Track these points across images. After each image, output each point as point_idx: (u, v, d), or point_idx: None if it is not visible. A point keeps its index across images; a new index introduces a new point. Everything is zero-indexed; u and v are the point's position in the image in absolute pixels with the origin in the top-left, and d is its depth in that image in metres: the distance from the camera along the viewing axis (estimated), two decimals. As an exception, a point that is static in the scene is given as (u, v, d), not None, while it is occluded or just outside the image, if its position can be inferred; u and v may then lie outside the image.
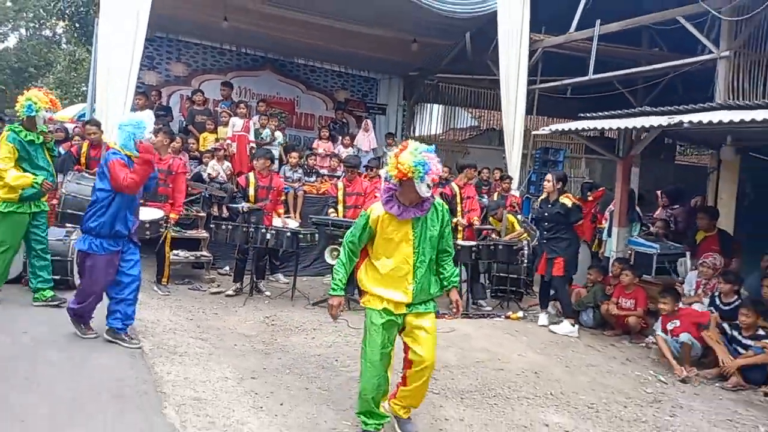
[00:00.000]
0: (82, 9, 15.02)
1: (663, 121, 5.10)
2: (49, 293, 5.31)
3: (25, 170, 5.14)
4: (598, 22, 9.19)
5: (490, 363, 4.88)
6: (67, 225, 5.94)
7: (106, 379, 3.73)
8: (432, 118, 17.70)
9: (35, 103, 5.15)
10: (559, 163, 10.47)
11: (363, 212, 3.49)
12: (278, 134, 9.76)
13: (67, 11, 15.80)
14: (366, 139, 11.06)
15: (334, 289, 3.41)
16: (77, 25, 16.36)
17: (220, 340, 4.97)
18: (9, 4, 31.94)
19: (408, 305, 3.32)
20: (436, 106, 16.64)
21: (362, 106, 13.66)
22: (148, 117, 4.59)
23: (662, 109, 5.85)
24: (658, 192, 8.29)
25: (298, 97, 12.91)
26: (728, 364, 4.96)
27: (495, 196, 9.11)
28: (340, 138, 10.72)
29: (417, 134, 17.81)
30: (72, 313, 4.53)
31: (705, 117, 4.98)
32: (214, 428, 3.25)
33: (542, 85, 10.93)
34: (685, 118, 5.03)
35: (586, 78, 9.59)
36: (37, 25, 31.65)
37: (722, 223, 7.16)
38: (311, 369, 4.49)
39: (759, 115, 4.80)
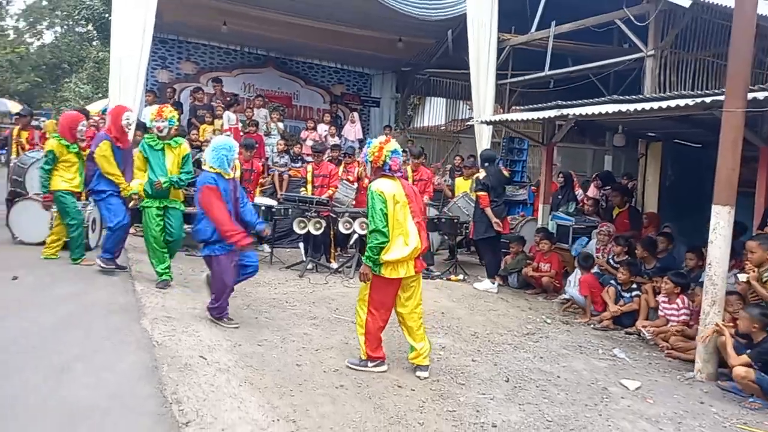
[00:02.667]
0: (105, 13, 16.60)
1: (552, 113, 6.22)
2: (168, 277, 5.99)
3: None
4: (553, 23, 10.21)
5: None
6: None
7: (102, 302, 5.12)
8: (432, 111, 18.88)
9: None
10: (523, 151, 11.54)
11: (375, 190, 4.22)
12: (280, 125, 11.24)
13: (89, 16, 17.38)
14: (352, 130, 12.35)
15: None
16: (99, 28, 17.97)
17: (199, 288, 6.28)
18: (45, 2, 33.93)
19: None
20: (441, 99, 17.85)
21: (357, 99, 14.95)
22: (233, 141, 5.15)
23: (576, 102, 6.94)
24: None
25: (297, 91, 14.22)
26: (605, 314, 6.11)
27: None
28: (333, 128, 12.04)
29: (417, 126, 19.06)
30: (212, 315, 5.03)
31: (589, 110, 6.09)
32: (175, 333, 4.58)
33: (513, 80, 12.00)
34: (573, 111, 6.13)
35: (542, 74, 10.63)
36: (70, 23, 33.43)
37: (649, 199, 8.22)
38: (264, 307, 5.80)
39: (631, 106, 5.89)
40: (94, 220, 7.51)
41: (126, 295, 5.50)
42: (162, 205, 5.88)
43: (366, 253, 4.20)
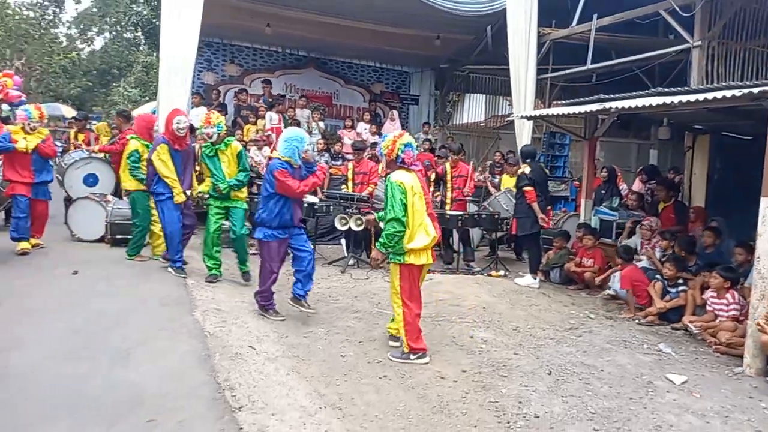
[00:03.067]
0: (154, 20, 17.18)
1: (594, 107, 6.17)
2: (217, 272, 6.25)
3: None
4: (594, 16, 10.07)
5: (449, 300, 6.17)
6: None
7: (156, 295, 5.36)
8: (471, 107, 18.79)
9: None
10: (565, 146, 11.41)
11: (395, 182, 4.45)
12: (321, 124, 11.47)
13: (138, 23, 18.03)
14: (392, 128, 12.40)
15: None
16: (147, 34, 18.62)
17: (247, 281, 6.52)
18: (94, 10, 35.22)
19: None
20: (480, 95, 17.79)
21: (396, 97, 15.04)
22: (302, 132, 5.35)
23: (619, 95, 6.85)
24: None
25: (337, 90, 14.40)
26: (650, 309, 6.03)
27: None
28: (374, 126, 12.18)
29: (456, 122, 19.01)
30: (258, 301, 5.26)
31: (632, 103, 6.01)
32: (225, 324, 4.77)
33: (554, 74, 11.87)
34: (615, 104, 6.07)
35: (584, 67, 10.49)
36: (118, 29, 34.59)
37: (696, 193, 8.05)
38: (309, 301, 5.94)
39: (676, 98, 5.79)
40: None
41: (178, 288, 5.74)
42: (223, 206, 6.16)
43: (381, 240, 4.42)
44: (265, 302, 5.28)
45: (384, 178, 8.45)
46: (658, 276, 6.33)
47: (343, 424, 3.41)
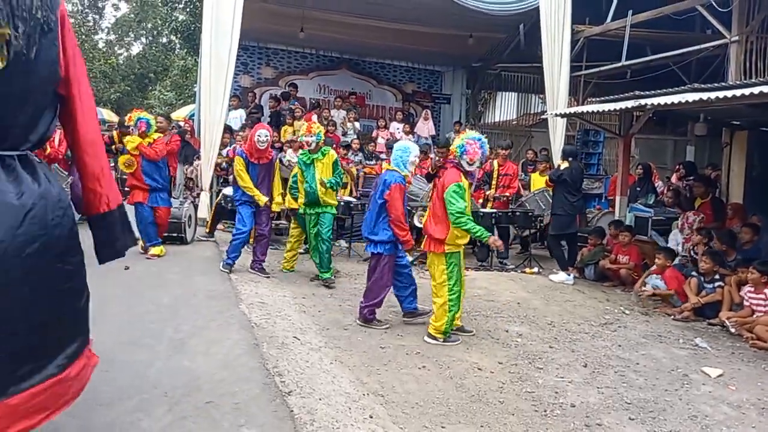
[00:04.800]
0: (192, 25, 17.68)
1: (629, 103, 6.21)
2: (325, 275, 6.53)
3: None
4: (629, 12, 10.03)
5: (485, 296, 6.30)
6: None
7: (204, 288, 5.64)
8: (503, 105, 18.78)
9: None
10: (599, 143, 11.37)
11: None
12: (356, 124, 11.71)
13: (177, 29, 18.59)
14: (425, 127, 12.60)
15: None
16: (186, 39, 19.16)
17: (286, 277, 6.76)
18: (132, 16, 36.24)
19: None
20: (511, 93, 17.77)
21: (428, 96, 15.15)
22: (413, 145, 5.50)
23: (654, 92, 6.86)
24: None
25: (370, 91, 14.59)
26: (686, 305, 6.04)
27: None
28: (407, 126, 12.34)
29: (488, 121, 19.02)
30: (366, 315, 5.20)
31: (667, 99, 6.04)
32: (270, 317, 5.00)
33: (588, 71, 11.83)
34: (650, 101, 6.10)
35: (619, 64, 10.44)
36: (154, 34, 35.50)
37: (734, 190, 8.00)
38: (346, 295, 6.16)
39: (713, 94, 5.80)
40: (189, 217, 8.17)
41: (223, 283, 6.02)
42: (315, 212, 6.46)
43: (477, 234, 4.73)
44: (371, 315, 5.23)
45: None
46: (693, 273, 6.33)
47: (386, 409, 3.58)
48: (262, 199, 6.54)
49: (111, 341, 4.10)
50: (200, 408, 3.17)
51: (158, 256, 7.00)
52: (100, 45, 35.05)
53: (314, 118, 10.91)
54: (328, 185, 6.38)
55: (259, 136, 6.47)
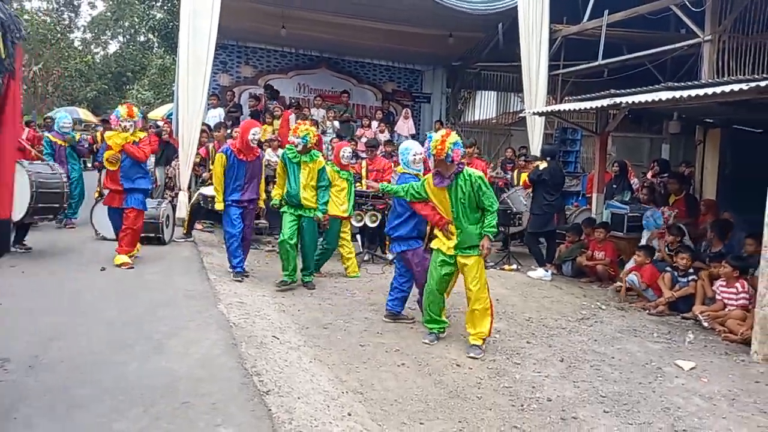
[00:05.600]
0: (170, 23, 17.50)
1: (605, 102, 6.30)
2: (307, 279, 6.40)
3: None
4: (606, 12, 10.17)
5: (463, 293, 6.30)
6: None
7: (182, 289, 5.61)
8: (482, 104, 18.89)
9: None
10: (577, 141, 11.50)
11: (423, 177, 4.91)
12: (336, 123, 11.69)
13: (155, 27, 18.39)
14: (405, 126, 12.63)
15: None
16: (163, 37, 18.97)
17: (265, 277, 6.73)
18: (108, 14, 35.78)
19: (456, 248, 4.68)
20: (491, 92, 17.88)
21: (408, 95, 15.19)
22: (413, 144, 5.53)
23: (629, 90, 6.97)
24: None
25: (350, 90, 14.57)
26: (660, 299, 6.15)
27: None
28: (384, 125, 12.36)
29: (468, 119, 19.13)
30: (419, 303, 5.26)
31: (641, 98, 6.13)
32: (248, 316, 4.98)
33: (565, 70, 11.97)
34: (625, 99, 6.19)
35: (596, 63, 10.59)
36: (132, 33, 35.08)
37: (707, 186, 8.15)
38: (326, 294, 6.16)
39: (686, 93, 5.91)
40: (167, 217, 8.09)
41: (202, 283, 5.98)
42: (297, 213, 6.25)
43: (493, 230, 4.61)
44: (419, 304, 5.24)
45: (396, 176, 8.73)
46: (668, 268, 6.45)
47: (365, 407, 3.60)
48: (220, 205, 6.35)
49: (88, 342, 4.07)
50: (177, 408, 3.15)
51: (123, 264, 6.40)
52: (76, 43, 34.55)
53: (292, 117, 10.91)
54: (321, 210, 6.23)
55: (254, 133, 6.34)
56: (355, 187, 8.61)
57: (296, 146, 6.17)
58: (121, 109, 6.64)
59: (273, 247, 8.70)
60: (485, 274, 4.70)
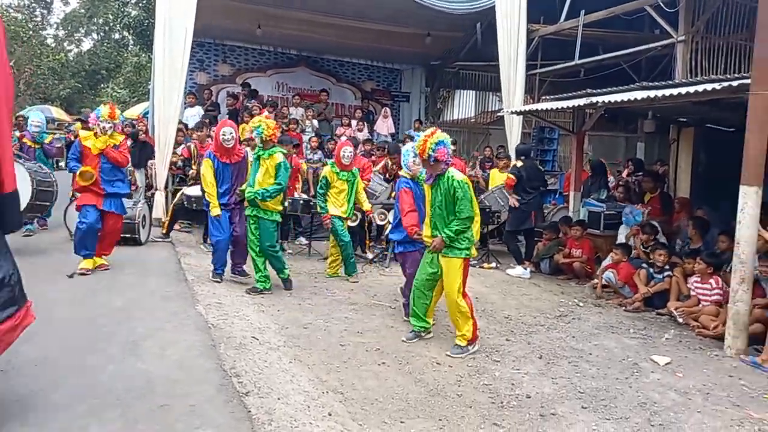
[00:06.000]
0: (145, 21, 17.24)
1: (581, 101, 6.37)
2: (259, 285, 6.04)
3: None
4: (582, 12, 10.29)
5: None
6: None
7: (159, 290, 5.53)
8: (461, 103, 18.98)
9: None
10: (554, 140, 11.63)
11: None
12: (315, 122, 11.63)
13: (130, 24, 18.11)
14: (384, 125, 12.63)
15: None
16: (139, 35, 18.69)
17: (244, 277, 6.67)
18: (82, 11, 35.15)
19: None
20: (470, 91, 17.97)
21: (387, 94, 15.20)
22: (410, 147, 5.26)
23: (604, 90, 7.05)
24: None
25: (329, 89, 14.52)
26: (636, 296, 6.25)
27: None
28: (362, 124, 12.34)
29: (447, 119, 19.21)
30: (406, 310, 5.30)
31: (617, 97, 6.21)
32: (227, 317, 4.93)
33: (543, 70, 12.09)
34: (601, 98, 6.27)
35: (572, 63, 10.70)
36: (106, 30, 34.50)
37: (681, 184, 8.29)
38: (306, 294, 6.12)
39: (660, 92, 6.00)
40: (144, 217, 7.98)
41: (179, 284, 5.90)
42: (253, 214, 5.94)
43: (467, 242, 4.54)
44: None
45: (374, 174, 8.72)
46: (644, 264, 6.55)
47: (345, 406, 3.59)
48: (215, 210, 6.05)
49: (61, 345, 3.99)
50: (154, 411, 3.11)
51: (89, 269, 6.07)
52: (49, 41, 33.88)
53: (265, 114, 10.81)
54: (260, 195, 5.82)
55: (224, 134, 6.02)
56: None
57: (254, 140, 6.00)
58: (103, 109, 6.22)
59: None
60: (459, 279, 4.55)
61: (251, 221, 6.02)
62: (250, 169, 6.14)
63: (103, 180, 6.20)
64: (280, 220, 6.22)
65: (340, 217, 6.83)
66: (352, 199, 6.98)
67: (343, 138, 11.57)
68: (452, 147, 4.64)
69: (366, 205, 7.19)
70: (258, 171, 5.93)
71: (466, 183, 4.55)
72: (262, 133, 5.84)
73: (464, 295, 4.63)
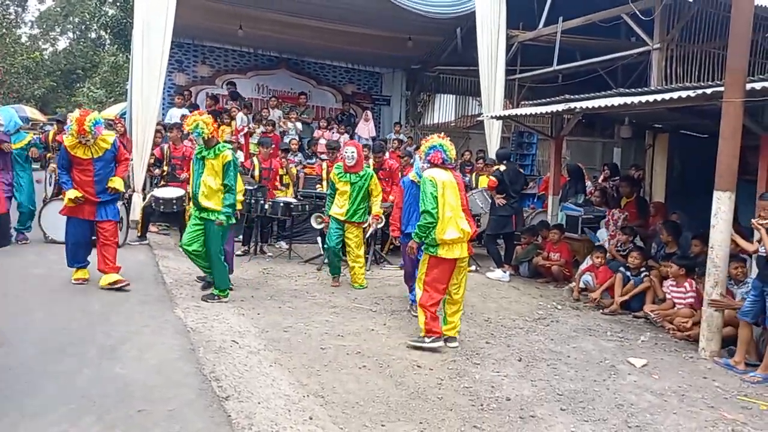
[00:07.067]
0: (123, 20, 17.01)
1: (560, 107, 6.46)
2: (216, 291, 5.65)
3: None
4: (560, 19, 10.44)
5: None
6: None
7: (137, 294, 5.47)
8: (441, 107, 19.08)
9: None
10: (533, 145, 11.76)
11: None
12: (298, 124, 11.59)
13: (107, 24, 17.85)
14: (366, 128, 12.64)
15: None
16: (116, 35, 18.43)
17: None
18: (57, 9, 34.55)
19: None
20: (450, 96, 18.08)
21: (368, 98, 15.21)
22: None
23: (583, 96, 7.17)
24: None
25: (310, 91, 14.47)
26: (615, 299, 6.34)
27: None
28: (342, 127, 12.34)
29: (427, 122, 19.29)
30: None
31: (595, 103, 6.31)
32: (206, 320, 4.89)
33: (522, 75, 12.23)
34: (579, 104, 6.37)
35: (551, 69, 10.85)
36: (82, 29, 33.94)
37: (656, 189, 8.44)
38: (286, 297, 6.09)
39: (636, 99, 6.10)
40: (121, 219, 7.84)
41: (158, 287, 5.83)
42: (200, 216, 5.56)
43: (415, 231, 4.77)
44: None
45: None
46: (621, 268, 6.65)
47: (326, 410, 3.57)
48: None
49: (35, 350, 3.92)
50: (132, 416, 3.06)
51: (85, 279, 5.84)
52: (23, 39, 33.23)
53: (239, 116, 10.76)
54: (224, 213, 5.46)
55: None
56: (316, 188, 8.63)
57: (197, 139, 5.53)
58: (72, 126, 5.48)
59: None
60: (422, 270, 4.81)
61: (192, 225, 5.59)
62: (192, 171, 5.72)
63: (97, 189, 5.75)
64: (234, 221, 5.79)
65: (337, 219, 6.68)
66: (357, 201, 6.62)
67: (322, 140, 11.59)
68: (452, 151, 4.88)
69: (375, 209, 6.86)
70: (203, 171, 5.51)
71: (429, 180, 4.72)
72: (202, 133, 5.42)
73: (425, 289, 4.78)
